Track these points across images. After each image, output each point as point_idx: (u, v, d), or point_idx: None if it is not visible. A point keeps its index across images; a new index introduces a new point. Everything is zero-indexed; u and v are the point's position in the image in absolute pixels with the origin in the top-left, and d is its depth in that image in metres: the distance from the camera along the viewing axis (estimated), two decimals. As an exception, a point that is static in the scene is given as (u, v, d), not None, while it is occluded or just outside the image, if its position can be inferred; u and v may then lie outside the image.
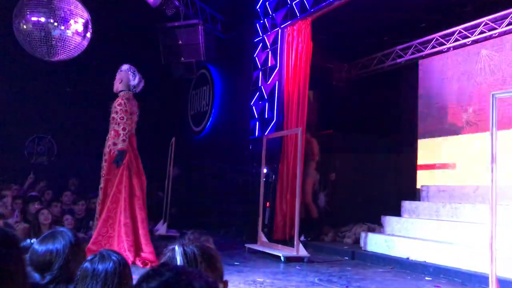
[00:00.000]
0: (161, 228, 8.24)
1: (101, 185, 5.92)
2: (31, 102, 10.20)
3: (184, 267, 1.00)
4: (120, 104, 6.08)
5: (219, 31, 9.47)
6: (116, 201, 5.72)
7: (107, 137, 6.37)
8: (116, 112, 6.07)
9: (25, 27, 6.44)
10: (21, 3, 6.48)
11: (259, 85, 8.45)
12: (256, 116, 8.44)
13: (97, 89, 8.04)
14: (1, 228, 0.97)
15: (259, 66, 8.55)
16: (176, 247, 1.45)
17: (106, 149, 6.04)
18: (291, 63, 7.87)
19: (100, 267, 1.77)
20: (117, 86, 6.44)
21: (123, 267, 1.82)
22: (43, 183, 8.53)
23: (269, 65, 8.28)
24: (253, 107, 8.54)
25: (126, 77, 6.41)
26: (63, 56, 6.70)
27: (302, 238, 7.23)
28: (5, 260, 0.91)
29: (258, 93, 8.47)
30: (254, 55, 8.69)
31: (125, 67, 6.53)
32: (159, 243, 6.72)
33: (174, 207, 8.98)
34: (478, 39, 7.51)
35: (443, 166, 7.83)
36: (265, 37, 8.50)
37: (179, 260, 1.41)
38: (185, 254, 1.42)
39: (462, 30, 7.68)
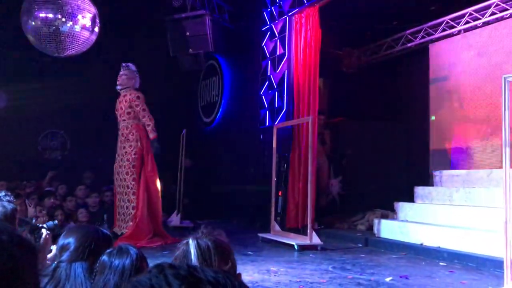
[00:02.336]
0: (175, 220, 8.31)
1: (135, 176, 6.38)
2: (43, 98, 10.28)
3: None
4: (139, 98, 6.43)
5: (226, 21, 9.43)
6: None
7: (121, 133, 6.53)
8: (137, 105, 6.38)
9: (33, 23, 6.47)
10: (29, 0, 6.51)
11: (268, 74, 8.42)
12: (266, 106, 8.42)
13: (107, 83, 8.05)
14: (18, 234, 0.98)
15: (268, 55, 8.51)
16: (190, 241, 1.47)
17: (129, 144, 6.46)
18: (300, 51, 7.82)
19: (117, 261, 1.80)
20: (126, 82, 6.62)
21: (140, 261, 1.84)
22: (51, 174, 8.67)
23: (278, 53, 8.25)
24: (263, 97, 8.52)
25: (135, 77, 6.68)
26: (72, 51, 6.73)
27: (316, 226, 7.25)
28: (19, 263, 0.91)
29: (267, 82, 8.44)
30: (263, 44, 8.65)
31: (133, 67, 6.73)
32: (173, 235, 6.81)
33: (187, 198, 9.05)
34: (489, 20, 7.39)
35: (456, 150, 7.76)
36: (273, 26, 8.45)
37: (193, 253, 1.43)
38: (199, 247, 1.44)
39: (473, 12, 7.56)
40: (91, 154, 9.97)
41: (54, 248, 2.53)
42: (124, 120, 6.55)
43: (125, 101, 6.62)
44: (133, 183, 6.39)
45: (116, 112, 6.79)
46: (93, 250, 1.94)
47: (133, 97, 6.53)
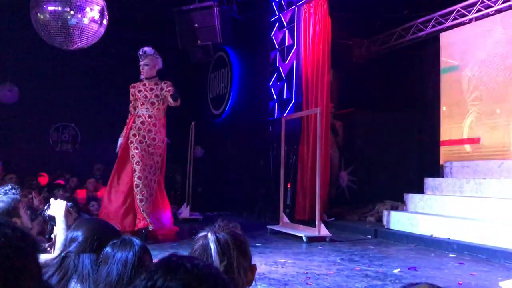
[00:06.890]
0: (184, 211, 8.35)
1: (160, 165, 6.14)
2: (54, 91, 10.36)
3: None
4: (171, 85, 6.15)
5: (234, 12, 9.38)
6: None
7: (144, 120, 6.13)
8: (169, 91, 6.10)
9: (42, 17, 6.49)
10: (37, -7, 6.53)
11: (277, 65, 8.38)
12: (275, 97, 8.39)
13: (116, 75, 8.10)
14: (19, 228, 1.00)
15: (276, 46, 8.46)
16: (209, 235, 1.48)
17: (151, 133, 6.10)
18: (309, 41, 7.75)
19: (119, 253, 1.81)
20: (149, 72, 6.25)
21: (143, 252, 1.86)
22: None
23: (287, 44, 8.18)
24: (272, 88, 8.48)
25: (156, 62, 6.31)
26: (81, 44, 6.75)
27: (326, 218, 7.23)
28: (23, 256, 0.94)
29: (276, 73, 8.40)
30: (271, 35, 8.59)
31: (151, 51, 6.30)
32: (183, 226, 6.85)
33: (196, 190, 9.07)
34: (501, 8, 7.25)
35: (466, 141, 7.67)
36: (282, 16, 8.38)
37: (213, 248, 1.46)
38: (218, 242, 1.47)
39: (485, 0, 7.43)
40: (102, 147, 10.04)
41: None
42: (147, 108, 6.18)
43: (150, 90, 6.22)
44: (158, 172, 6.11)
45: (132, 97, 6.34)
46: (102, 243, 1.96)
47: (165, 85, 6.21)
